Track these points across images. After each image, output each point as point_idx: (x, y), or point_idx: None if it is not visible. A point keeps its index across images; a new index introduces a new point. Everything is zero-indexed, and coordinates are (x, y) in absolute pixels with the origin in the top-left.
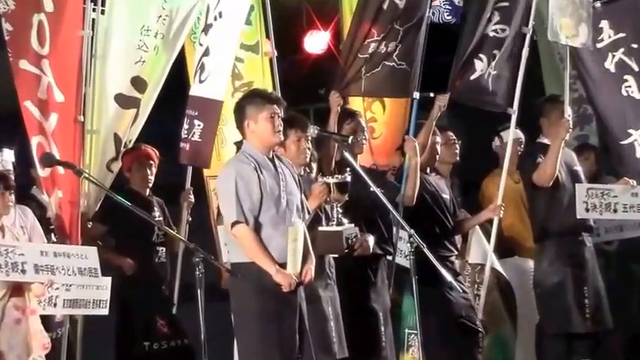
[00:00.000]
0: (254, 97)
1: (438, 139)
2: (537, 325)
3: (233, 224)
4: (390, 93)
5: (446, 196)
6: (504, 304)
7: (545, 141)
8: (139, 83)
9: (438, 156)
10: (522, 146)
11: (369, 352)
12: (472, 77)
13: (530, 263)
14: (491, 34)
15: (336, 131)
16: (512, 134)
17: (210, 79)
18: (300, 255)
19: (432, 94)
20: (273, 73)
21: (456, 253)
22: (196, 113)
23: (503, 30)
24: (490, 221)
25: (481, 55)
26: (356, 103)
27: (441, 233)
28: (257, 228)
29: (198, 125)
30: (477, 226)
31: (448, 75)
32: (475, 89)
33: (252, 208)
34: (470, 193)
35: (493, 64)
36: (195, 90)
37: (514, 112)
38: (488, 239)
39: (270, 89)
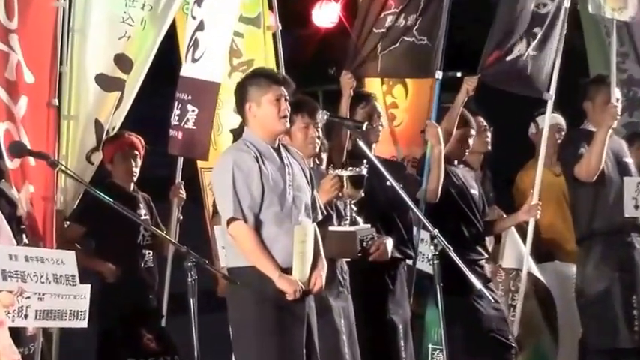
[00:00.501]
0: (258, 77)
1: (473, 131)
2: (580, 339)
3: (229, 221)
4: (410, 72)
5: (474, 191)
6: (543, 314)
7: (590, 128)
8: (123, 62)
9: (468, 149)
10: (562, 134)
11: None
12: (509, 58)
13: (573, 268)
14: (533, 9)
15: (348, 117)
16: (548, 120)
17: (205, 58)
18: (308, 259)
19: (458, 74)
20: (277, 50)
21: (486, 256)
22: (189, 97)
23: (544, 5)
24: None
25: (520, 34)
26: (374, 86)
27: (469, 234)
28: (258, 227)
29: (192, 111)
30: (513, 227)
31: (474, 53)
32: (511, 71)
33: (252, 204)
34: (503, 188)
35: (533, 44)
36: (188, 70)
37: (550, 97)
38: (525, 241)
39: (273, 68)
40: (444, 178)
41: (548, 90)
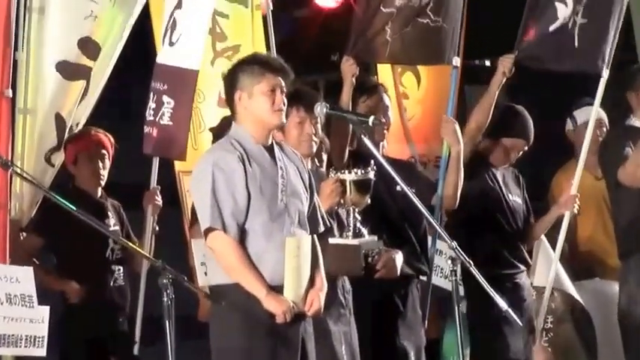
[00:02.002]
0: (251, 64)
1: (526, 147)
2: None
3: (207, 232)
4: (424, 59)
5: (515, 198)
6: (580, 339)
7: (636, 123)
8: (89, 47)
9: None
10: (604, 130)
11: None
12: (552, 28)
13: (616, 287)
14: None
15: (351, 109)
16: (598, 103)
17: (183, 42)
18: (303, 276)
19: (487, 63)
20: (268, 34)
21: (523, 269)
22: (165, 87)
23: None
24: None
25: None
26: (384, 74)
27: (503, 245)
28: (242, 238)
29: (168, 103)
30: (545, 239)
31: (504, 39)
32: (554, 45)
33: (235, 212)
34: (536, 193)
35: (580, 9)
36: (164, 56)
37: (605, 74)
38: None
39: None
40: (478, 181)
41: (601, 68)
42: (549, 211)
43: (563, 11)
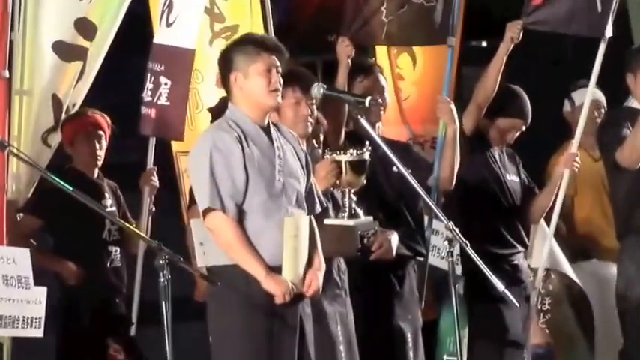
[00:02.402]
0: (245, 44)
1: (524, 127)
2: (621, 350)
3: (206, 212)
4: (421, 40)
5: (513, 178)
6: (577, 321)
7: (634, 105)
8: (85, 27)
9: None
10: (602, 112)
11: None
12: None
13: (613, 269)
14: None
15: (347, 90)
16: (596, 72)
17: (180, 22)
18: (301, 256)
19: (484, 44)
20: (266, 14)
21: (521, 249)
22: (162, 67)
23: None
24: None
25: None
26: (381, 55)
27: (503, 223)
28: (241, 218)
29: (165, 84)
30: (543, 221)
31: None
32: (560, 9)
33: (234, 192)
34: (533, 174)
35: None
36: (162, 36)
37: (605, 39)
38: (557, 239)
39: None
40: (478, 159)
41: (606, 29)
42: (550, 178)
43: None
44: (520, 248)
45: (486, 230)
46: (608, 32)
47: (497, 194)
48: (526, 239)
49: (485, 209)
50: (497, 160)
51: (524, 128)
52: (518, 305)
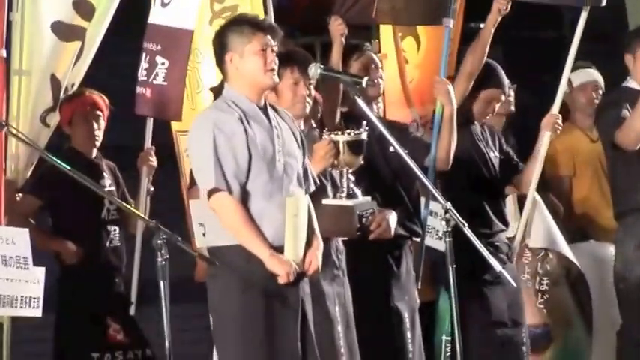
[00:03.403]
0: (239, 24)
1: (503, 96)
2: (618, 331)
3: (210, 193)
4: (412, 19)
5: (495, 154)
6: (575, 302)
7: (633, 85)
8: (83, 7)
9: (492, 114)
10: (600, 92)
11: None
12: None
13: (611, 249)
14: None
15: (342, 69)
16: (577, 38)
17: (177, 2)
18: (302, 236)
19: (482, 25)
20: None
21: (504, 228)
22: (159, 47)
23: None
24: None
25: None
26: (386, 39)
27: (485, 200)
28: (244, 199)
29: (162, 64)
30: (541, 201)
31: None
32: None
33: (238, 172)
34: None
35: None
36: (157, 16)
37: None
38: (556, 219)
39: (257, 14)
40: (462, 137)
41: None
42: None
43: None
44: (502, 227)
45: (471, 208)
46: (596, 1)
47: (481, 170)
48: (508, 218)
49: (469, 186)
50: (480, 136)
51: (503, 98)
52: (514, 285)
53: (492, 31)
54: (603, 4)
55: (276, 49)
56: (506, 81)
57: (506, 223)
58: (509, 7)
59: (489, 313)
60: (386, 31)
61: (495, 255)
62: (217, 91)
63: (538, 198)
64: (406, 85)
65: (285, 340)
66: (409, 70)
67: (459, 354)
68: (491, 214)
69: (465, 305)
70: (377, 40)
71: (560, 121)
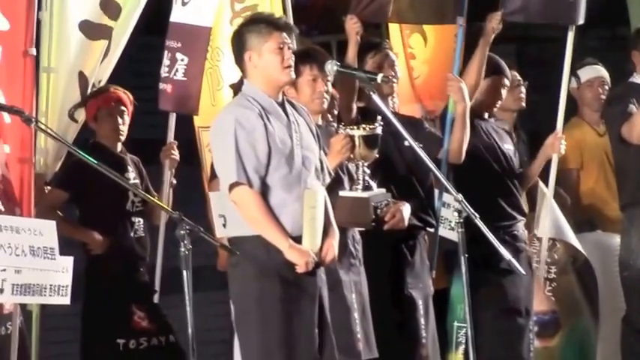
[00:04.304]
0: (257, 23)
1: (506, 80)
2: (623, 318)
3: (232, 186)
4: (427, 18)
5: (508, 147)
6: (582, 290)
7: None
8: (110, 7)
9: (500, 101)
10: (606, 88)
11: (404, 352)
12: None
13: (616, 239)
14: None
15: (357, 66)
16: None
17: (196, 1)
18: (319, 227)
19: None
20: None
21: (522, 219)
22: (179, 45)
23: None
24: (569, 186)
25: None
26: (394, 36)
27: (501, 196)
28: (264, 192)
29: (182, 60)
30: (548, 193)
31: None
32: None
33: (258, 166)
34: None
35: None
36: (178, 15)
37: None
38: (563, 211)
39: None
40: (470, 134)
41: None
42: (539, 153)
43: None
44: (519, 218)
45: (483, 202)
46: (580, 20)
47: (491, 162)
48: (524, 207)
49: (481, 179)
50: (492, 131)
51: (507, 83)
52: (524, 273)
53: (486, 52)
54: (582, 22)
55: (292, 46)
56: (505, 67)
57: (523, 213)
58: (500, 26)
59: (505, 301)
60: (395, 29)
61: (512, 244)
62: (237, 88)
63: (546, 190)
64: (413, 81)
65: (302, 326)
66: (417, 67)
67: (470, 339)
68: (506, 206)
69: (482, 293)
70: (387, 40)
71: (564, 142)
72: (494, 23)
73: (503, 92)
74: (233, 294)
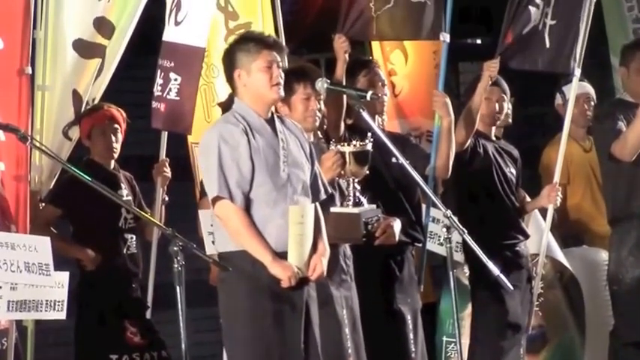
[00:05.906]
0: (246, 42)
1: (502, 94)
2: (611, 332)
3: (214, 201)
4: (410, 35)
5: (508, 169)
6: (569, 305)
7: (626, 97)
8: (103, 26)
9: (497, 113)
10: (592, 104)
11: None
12: (525, 30)
13: (604, 254)
14: None
15: (346, 84)
16: (573, 98)
17: (189, 20)
18: (306, 242)
19: (478, 41)
20: (275, 12)
21: (524, 239)
22: (172, 64)
23: None
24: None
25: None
26: (377, 53)
27: (500, 216)
28: (248, 207)
29: (175, 80)
30: (536, 210)
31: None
32: (528, 46)
33: (241, 181)
34: (528, 165)
35: (549, 11)
36: (170, 34)
37: (575, 75)
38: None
39: (262, 32)
40: (473, 154)
41: (573, 65)
42: (534, 201)
43: (534, 14)
44: (522, 238)
45: (490, 224)
46: (576, 71)
47: (497, 187)
48: (526, 229)
49: (487, 203)
50: (495, 153)
51: (504, 97)
52: (512, 288)
53: (484, 96)
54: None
55: (282, 64)
56: (501, 80)
57: (525, 235)
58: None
59: (506, 316)
60: (376, 46)
61: (514, 261)
62: (225, 106)
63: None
64: (394, 97)
65: (288, 340)
66: (398, 82)
67: (459, 354)
68: (509, 229)
69: (483, 309)
70: (370, 56)
71: (560, 193)
72: (491, 71)
73: (505, 105)
74: (222, 309)
